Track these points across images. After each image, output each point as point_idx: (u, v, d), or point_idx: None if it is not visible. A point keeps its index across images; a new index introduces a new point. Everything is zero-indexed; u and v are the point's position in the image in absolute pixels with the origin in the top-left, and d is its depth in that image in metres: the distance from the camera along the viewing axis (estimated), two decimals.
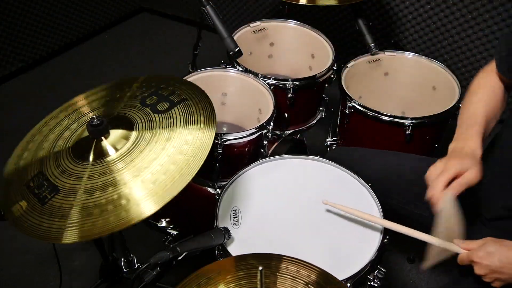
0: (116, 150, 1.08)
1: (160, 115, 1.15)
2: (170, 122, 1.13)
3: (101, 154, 1.08)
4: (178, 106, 1.16)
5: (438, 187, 1.05)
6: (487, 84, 1.23)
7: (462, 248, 1.04)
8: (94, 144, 1.09)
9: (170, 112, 1.15)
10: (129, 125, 1.13)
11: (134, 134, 1.11)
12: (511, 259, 0.96)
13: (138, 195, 0.99)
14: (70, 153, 1.11)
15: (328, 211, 1.28)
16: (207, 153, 1.04)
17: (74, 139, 1.15)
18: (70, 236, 0.97)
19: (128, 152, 1.07)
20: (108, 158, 1.07)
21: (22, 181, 1.08)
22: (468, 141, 1.12)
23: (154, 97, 1.20)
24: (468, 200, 1.21)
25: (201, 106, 1.17)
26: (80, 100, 1.29)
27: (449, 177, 1.05)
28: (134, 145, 1.08)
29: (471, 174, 1.05)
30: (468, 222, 1.23)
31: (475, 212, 1.22)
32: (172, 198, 0.97)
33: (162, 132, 1.10)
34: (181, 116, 1.14)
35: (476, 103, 1.20)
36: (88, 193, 1.02)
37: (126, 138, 1.10)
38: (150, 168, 1.02)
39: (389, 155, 1.46)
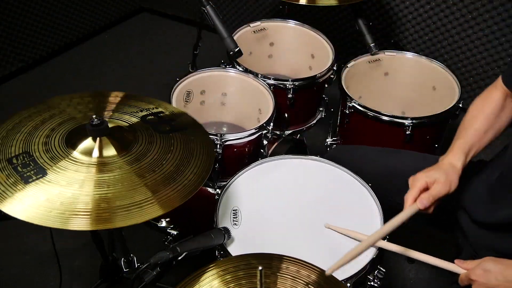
0: (100, 156, 1.06)
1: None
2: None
3: (85, 151, 1.07)
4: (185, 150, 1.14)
5: (408, 203, 1.11)
6: (487, 98, 1.24)
7: (462, 268, 1.05)
8: (85, 140, 1.08)
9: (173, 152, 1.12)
10: (126, 144, 1.11)
11: (125, 151, 1.09)
12: (508, 277, 0.96)
13: (80, 206, 0.96)
14: (64, 137, 1.10)
15: (328, 210, 1.28)
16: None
17: (76, 124, 1.15)
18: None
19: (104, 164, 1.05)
20: (86, 159, 1.06)
21: (5, 154, 1.05)
22: (449, 153, 1.17)
23: (168, 127, 1.19)
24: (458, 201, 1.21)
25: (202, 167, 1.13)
26: (114, 96, 1.28)
27: (416, 190, 1.11)
28: (116, 160, 1.06)
29: (437, 186, 1.10)
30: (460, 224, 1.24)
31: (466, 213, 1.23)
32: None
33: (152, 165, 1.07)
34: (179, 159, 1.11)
35: (469, 118, 1.23)
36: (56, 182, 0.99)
37: (118, 151, 1.09)
38: (111, 189, 1.00)
39: (390, 153, 1.46)
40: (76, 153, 1.06)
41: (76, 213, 0.95)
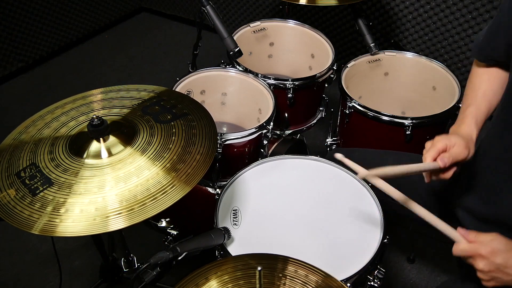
0: (110, 155, 1.08)
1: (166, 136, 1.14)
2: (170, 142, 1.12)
3: (94, 154, 1.08)
4: (192, 133, 1.16)
5: (428, 160, 1.09)
6: (482, 67, 1.23)
7: (469, 240, 1.00)
8: (91, 143, 1.09)
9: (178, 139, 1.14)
10: (130, 136, 1.12)
11: (130, 146, 1.10)
12: None
13: (108, 208, 0.97)
14: (67, 146, 1.11)
15: (328, 211, 1.28)
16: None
17: (76, 131, 1.15)
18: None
19: (119, 161, 1.06)
20: (98, 161, 1.06)
21: (13, 170, 1.07)
22: (462, 124, 1.15)
23: (168, 116, 1.20)
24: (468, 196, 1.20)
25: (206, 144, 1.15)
26: (96, 95, 1.29)
27: (437, 150, 1.08)
28: (126, 157, 1.08)
29: (457, 149, 1.08)
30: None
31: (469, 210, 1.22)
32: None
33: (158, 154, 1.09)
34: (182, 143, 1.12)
35: (475, 79, 1.21)
36: (71, 191, 1.01)
37: (124, 145, 1.10)
38: (128, 185, 1.01)
39: (389, 155, 1.46)
40: (88, 160, 1.07)
41: (115, 213, 0.96)
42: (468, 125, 1.14)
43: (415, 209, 1.06)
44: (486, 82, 1.19)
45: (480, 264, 0.97)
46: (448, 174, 1.10)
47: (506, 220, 1.11)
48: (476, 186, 1.18)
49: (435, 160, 1.08)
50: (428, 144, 1.12)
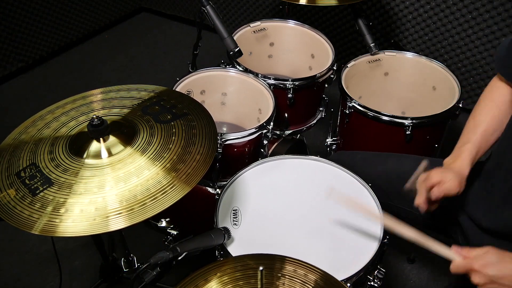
0: (110, 155, 1.07)
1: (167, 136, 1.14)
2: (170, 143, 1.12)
3: (94, 154, 1.08)
4: (191, 133, 1.16)
5: (422, 194, 1.14)
6: (493, 93, 1.24)
7: (463, 256, 1.03)
8: (91, 143, 1.09)
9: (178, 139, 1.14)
10: (130, 136, 1.12)
11: (130, 146, 1.10)
12: None
13: (109, 208, 0.97)
14: (67, 146, 1.11)
15: (328, 210, 1.28)
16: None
17: (76, 131, 1.15)
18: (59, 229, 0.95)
19: (119, 161, 1.06)
20: (98, 161, 1.06)
21: (13, 170, 1.07)
22: (458, 159, 1.18)
23: (168, 116, 1.19)
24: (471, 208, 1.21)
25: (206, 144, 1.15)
26: (96, 95, 1.29)
27: (430, 184, 1.14)
28: (126, 157, 1.07)
29: (450, 185, 1.13)
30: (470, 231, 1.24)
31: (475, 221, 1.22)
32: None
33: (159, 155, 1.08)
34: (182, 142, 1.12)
35: (478, 115, 1.23)
36: (71, 191, 1.00)
37: (124, 145, 1.10)
38: (128, 185, 1.01)
39: (390, 157, 1.46)
40: (88, 160, 1.07)
41: (115, 213, 0.96)
42: (463, 162, 1.17)
43: (409, 236, 1.11)
44: (488, 120, 1.21)
45: (475, 278, 1.00)
46: (433, 207, 1.16)
47: (508, 231, 1.11)
48: (482, 196, 1.19)
49: (430, 189, 1.14)
50: (423, 176, 1.17)
